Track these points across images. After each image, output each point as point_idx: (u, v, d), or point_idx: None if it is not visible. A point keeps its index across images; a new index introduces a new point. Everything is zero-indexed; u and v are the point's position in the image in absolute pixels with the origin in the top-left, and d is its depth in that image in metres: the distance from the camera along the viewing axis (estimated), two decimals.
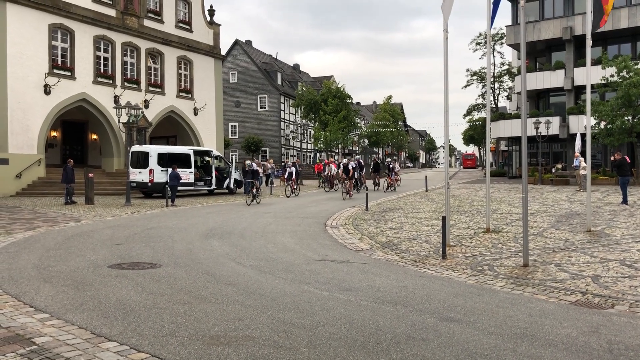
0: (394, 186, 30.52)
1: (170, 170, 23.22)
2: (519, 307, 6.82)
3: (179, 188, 23.20)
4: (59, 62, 28.18)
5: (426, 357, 5.04)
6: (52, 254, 10.38)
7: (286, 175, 27.76)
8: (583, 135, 27.60)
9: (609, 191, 24.30)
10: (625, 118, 28.78)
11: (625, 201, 18.90)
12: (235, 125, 64.46)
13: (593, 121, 28.97)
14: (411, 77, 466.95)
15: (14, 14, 25.92)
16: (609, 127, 29.32)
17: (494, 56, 55.72)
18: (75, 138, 34.49)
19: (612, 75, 29.58)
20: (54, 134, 31.95)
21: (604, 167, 34.95)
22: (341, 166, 26.44)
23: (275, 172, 38.46)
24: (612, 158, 20.47)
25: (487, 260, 9.86)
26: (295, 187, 27.40)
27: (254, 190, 22.35)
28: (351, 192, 25.11)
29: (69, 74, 28.48)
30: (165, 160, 25.48)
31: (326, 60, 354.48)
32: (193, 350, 5.19)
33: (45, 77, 27.21)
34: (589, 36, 12.88)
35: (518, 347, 5.33)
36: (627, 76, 28.65)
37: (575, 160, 27.27)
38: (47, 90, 27.29)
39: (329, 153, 59.40)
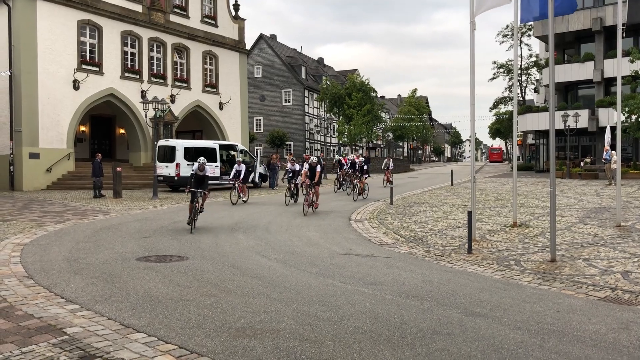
0: (363, 192, 21.44)
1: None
2: (546, 303, 6.74)
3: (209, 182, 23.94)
4: (87, 58, 28.59)
5: (452, 352, 5.02)
6: (82, 247, 10.59)
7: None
8: (613, 129, 27.02)
9: None
10: None
11: None
12: (260, 120, 64.74)
13: (623, 115, 28.35)
14: (435, 70, 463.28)
15: (44, 10, 26.38)
16: (639, 120, 28.67)
17: (521, 48, 54.90)
18: (103, 133, 35.02)
19: None
20: (82, 128, 32.49)
21: (635, 161, 34.20)
22: (305, 166, 17.62)
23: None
24: None
25: (513, 255, 9.75)
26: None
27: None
28: (315, 204, 16.76)
29: (97, 69, 28.90)
30: (191, 154, 25.71)
31: (349, 53, 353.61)
32: (219, 342, 5.25)
33: (74, 73, 27.66)
34: (619, 27, 12.58)
35: (545, 342, 5.27)
36: None
37: (605, 153, 26.71)
38: (76, 85, 27.75)
39: (353, 147, 59.28)
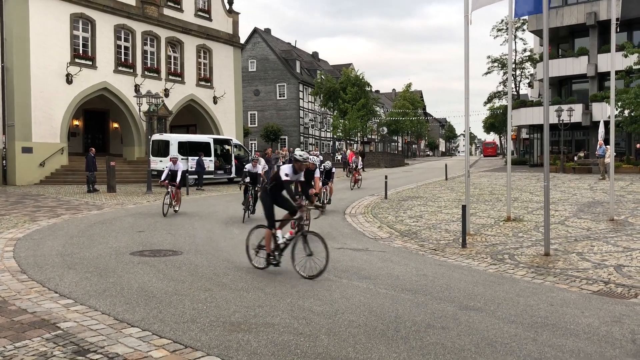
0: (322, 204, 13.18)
1: (195, 158, 25.37)
2: (540, 297, 6.77)
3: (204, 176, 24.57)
4: (81, 52, 28.42)
5: (446, 346, 5.03)
6: (76, 241, 10.55)
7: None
8: (606, 123, 27.11)
9: (633, 179, 23.90)
10: None
11: None
12: (254, 114, 64.58)
13: (617, 109, 28.46)
14: (428, 65, 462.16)
15: (36, 4, 26.17)
16: (632, 114, 28.79)
17: (515, 42, 54.94)
18: (96, 127, 34.85)
19: (635, 63, 28.99)
20: (76, 122, 32.33)
21: (628, 155, 34.36)
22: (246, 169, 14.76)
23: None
24: (637, 146, 20.06)
25: (507, 249, 9.79)
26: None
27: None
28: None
29: (90, 63, 28.74)
30: (185, 148, 25.67)
31: (343, 48, 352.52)
32: (214, 336, 5.25)
33: (67, 67, 27.50)
34: (613, 21, 12.60)
35: (539, 336, 5.30)
36: None
37: (598, 148, 26.81)
38: (69, 79, 27.59)
39: (348, 141, 59.25)
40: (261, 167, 14.75)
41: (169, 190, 14.89)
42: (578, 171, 31.89)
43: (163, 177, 15.03)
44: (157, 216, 14.46)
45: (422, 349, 4.96)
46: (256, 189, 13.76)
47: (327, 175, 16.29)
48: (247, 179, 14.15)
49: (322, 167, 15.44)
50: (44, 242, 10.50)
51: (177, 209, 15.16)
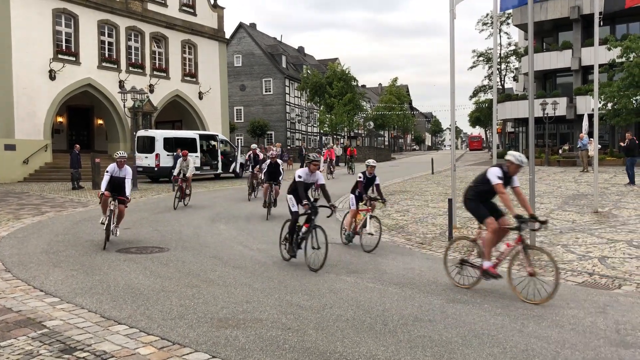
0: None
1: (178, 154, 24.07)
2: None
3: None
4: (64, 47, 28.09)
5: (433, 338, 5.07)
6: (61, 239, 10.46)
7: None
8: (590, 116, 27.39)
9: (616, 172, 24.15)
10: (633, 99, 28.52)
11: (632, 182, 18.81)
12: (240, 109, 64.29)
13: (600, 102, 28.74)
14: (414, 59, 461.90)
15: None
16: (616, 107, 29.10)
17: (500, 36, 55.20)
18: (81, 123, 34.47)
19: (618, 57, 29.29)
20: (60, 119, 31.96)
21: (612, 148, 34.73)
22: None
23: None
24: (628, 135, 20.26)
25: None
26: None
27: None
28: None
29: (74, 59, 28.41)
30: (171, 144, 25.49)
31: (328, 41, 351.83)
32: (202, 332, 5.24)
33: (50, 63, 27.16)
34: (597, 15, 12.71)
35: (525, 327, 5.35)
36: (632, 57, 28.38)
37: (579, 141, 27.06)
38: (52, 75, 27.26)
39: (335, 136, 59.24)
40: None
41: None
42: (563, 164, 32.19)
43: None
44: (143, 212, 14.38)
45: (409, 342, 4.99)
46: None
47: (274, 175, 14.44)
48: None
49: (268, 161, 14.87)
50: (29, 240, 10.39)
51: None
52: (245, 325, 5.45)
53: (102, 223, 9.91)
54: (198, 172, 26.79)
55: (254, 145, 21.30)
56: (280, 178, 14.36)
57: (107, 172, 9.97)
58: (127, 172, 10.14)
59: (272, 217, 13.29)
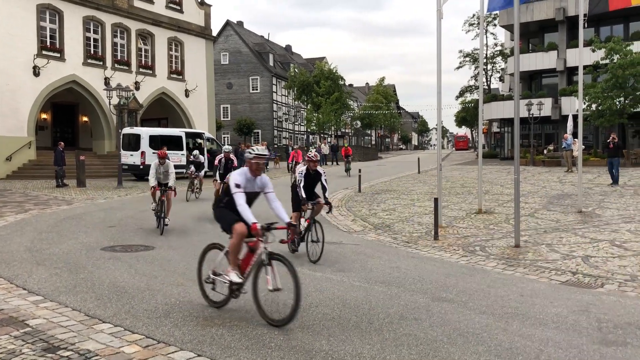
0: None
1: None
2: (510, 287, 6.89)
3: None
4: (48, 44, 27.78)
5: (418, 337, 5.09)
6: (45, 237, 10.35)
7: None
8: (575, 117, 27.67)
9: (600, 172, 24.43)
10: (617, 100, 28.87)
11: (615, 182, 19.03)
12: (227, 107, 64.06)
13: (585, 103, 29.04)
14: (399, 58, 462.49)
15: None
16: (600, 108, 29.43)
17: (486, 37, 55.55)
18: (65, 120, 34.13)
19: (602, 58, 29.63)
20: (44, 116, 31.62)
21: (595, 149, 35.11)
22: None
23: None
24: (611, 137, 20.48)
25: (478, 241, 9.93)
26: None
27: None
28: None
29: (59, 55, 28.12)
30: (156, 142, 25.33)
31: (314, 40, 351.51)
32: (187, 331, 5.21)
33: (34, 59, 26.86)
34: (581, 17, 12.84)
35: (509, 326, 5.40)
36: (615, 59, 28.75)
37: (563, 142, 27.33)
38: (36, 71, 26.96)
39: (322, 135, 59.26)
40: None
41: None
42: (547, 164, 32.48)
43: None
44: (129, 210, 14.27)
45: (395, 340, 5.01)
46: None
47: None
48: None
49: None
50: (12, 238, 10.27)
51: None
52: (231, 323, 5.43)
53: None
54: (183, 171, 26.65)
55: (227, 148, 15.33)
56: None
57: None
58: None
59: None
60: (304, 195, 8.69)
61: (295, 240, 8.62)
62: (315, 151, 9.85)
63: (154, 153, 24.70)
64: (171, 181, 11.54)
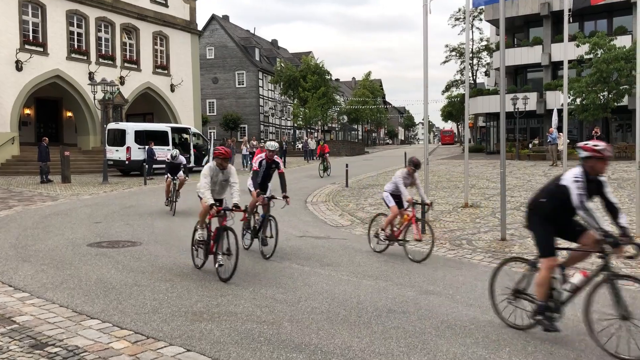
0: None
1: (147, 147, 23.92)
2: None
3: (154, 166, 23.49)
4: (31, 38, 27.43)
5: (407, 329, 5.13)
6: (30, 233, 10.26)
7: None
8: (559, 111, 27.92)
9: None
10: (601, 94, 29.17)
11: None
12: (213, 102, 63.73)
13: (569, 97, 29.31)
14: (386, 53, 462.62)
15: None
16: (584, 102, 29.72)
17: (472, 32, 55.81)
18: (49, 116, 33.75)
19: (586, 53, 29.91)
20: (27, 111, 31.24)
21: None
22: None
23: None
24: (594, 131, 20.70)
25: (465, 235, 10.00)
26: None
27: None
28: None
29: (42, 49, 27.77)
30: (142, 137, 25.16)
31: (299, 34, 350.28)
32: (176, 326, 5.21)
33: (17, 53, 26.50)
34: (566, 12, 12.95)
35: (496, 318, 5.45)
36: (599, 53, 29.04)
37: (548, 136, 27.55)
38: (18, 66, 26.61)
39: (309, 130, 59.23)
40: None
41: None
42: (533, 158, 32.74)
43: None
44: (115, 206, 14.18)
45: (383, 333, 5.04)
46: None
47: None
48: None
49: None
50: None
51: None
52: (220, 318, 5.43)
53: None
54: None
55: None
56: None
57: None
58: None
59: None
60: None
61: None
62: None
63: (139, 148, 24.65)
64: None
